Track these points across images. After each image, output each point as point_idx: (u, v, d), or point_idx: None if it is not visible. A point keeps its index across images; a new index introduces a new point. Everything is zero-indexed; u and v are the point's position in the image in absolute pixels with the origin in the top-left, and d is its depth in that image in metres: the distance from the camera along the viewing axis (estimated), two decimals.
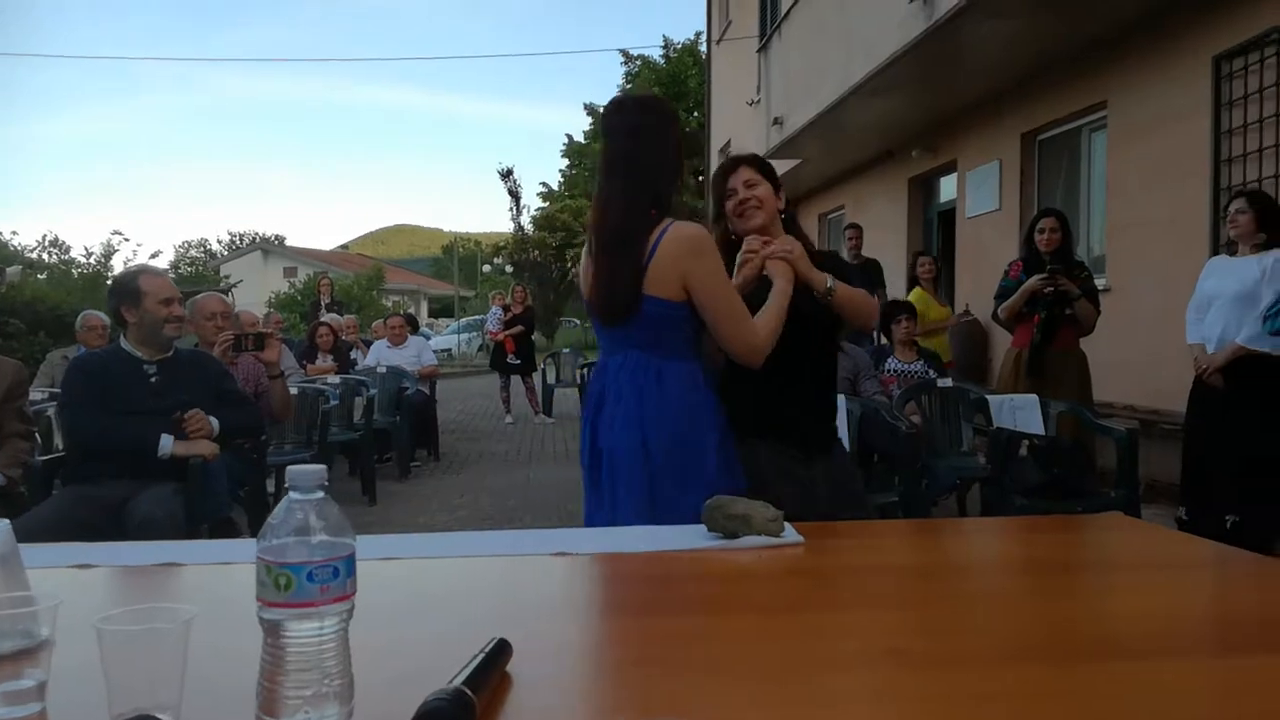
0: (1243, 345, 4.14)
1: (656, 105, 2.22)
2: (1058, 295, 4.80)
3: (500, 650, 0.99)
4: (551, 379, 11.88)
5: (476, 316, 31.44)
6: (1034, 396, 4.34)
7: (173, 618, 0.88)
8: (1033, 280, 4.82)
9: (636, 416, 2.08)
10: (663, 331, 2.10)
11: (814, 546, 1.59)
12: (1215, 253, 5.63)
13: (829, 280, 2.29)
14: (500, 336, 11.15)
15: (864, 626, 1.25)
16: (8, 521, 1.22)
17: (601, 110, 2.44)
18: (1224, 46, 5.65)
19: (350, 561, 0.84)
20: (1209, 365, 4.27)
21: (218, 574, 1.55)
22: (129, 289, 3.41)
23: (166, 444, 3.32)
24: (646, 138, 2.12)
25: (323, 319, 8.73)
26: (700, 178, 27.22)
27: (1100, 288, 5.54)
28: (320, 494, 0.85)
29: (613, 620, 1.32)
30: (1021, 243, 5.43)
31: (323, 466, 0.86)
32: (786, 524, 1.63)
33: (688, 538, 1.64)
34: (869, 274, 8.30)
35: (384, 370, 7.79)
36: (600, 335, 2.23)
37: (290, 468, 0.85)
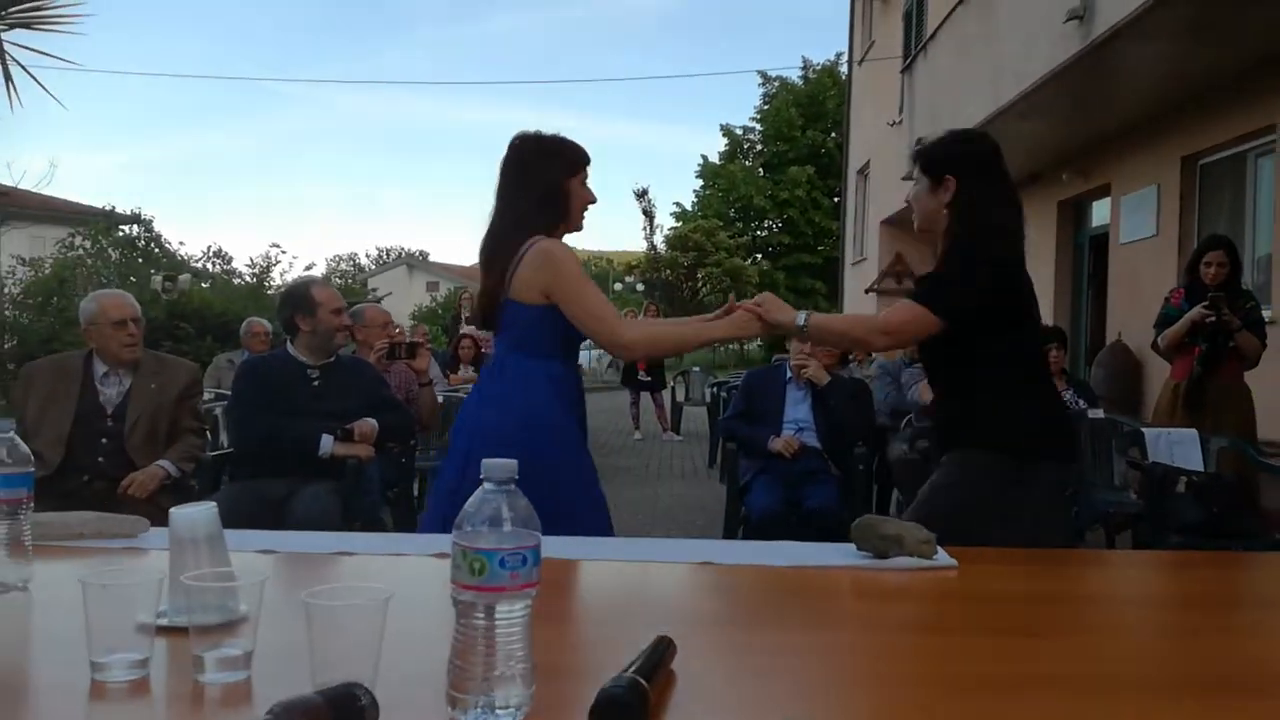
0: None
1: (520, 144, 2.42)
2: (1220, 326, 4.55)
3: (666, 647, 1.03)
4: (681, 396, 11.94)
5: None
6: (1193, 431, 4.12)
7: (374, 596, 0.95)
8: (1195, 310, 4.59)
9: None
10: (528, 333, 2.34)
11: (967, 571, 1.58)
12: None
13: (801, 318, 2.32)
14: None
15: (1018, 651, 1.24)
16: (214, 504, 1.34)
17: None
18: None
19: (537, 551, 0.90)
20: None
21: (387, 564, 1.65)
22: (304, 298, 3.64)
23: (327, 444, 3.51)
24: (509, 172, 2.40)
25: (464, 331, 9.04)
26: (836, 199, 26.93)
27: (1266, 319, 5.24)
28: (512, 486, 0.91)
29: (764, 628, 1.35)
30: (1184, 270, 5.17)
31: (514, 461, 0.92)
32: (939, 548, 1.62)
33: (837, 555, 1.65)
34: None
35: None
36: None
37: (485, 460, 0.92)
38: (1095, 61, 6.70)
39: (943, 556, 1.60)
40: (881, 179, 15.11)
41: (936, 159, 2.37)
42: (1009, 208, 2.36)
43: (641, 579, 1.54)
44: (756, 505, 4.19)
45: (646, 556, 1.69)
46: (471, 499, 0.91)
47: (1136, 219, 8.58)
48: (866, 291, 15.58)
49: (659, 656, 1.00)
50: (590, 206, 2.45)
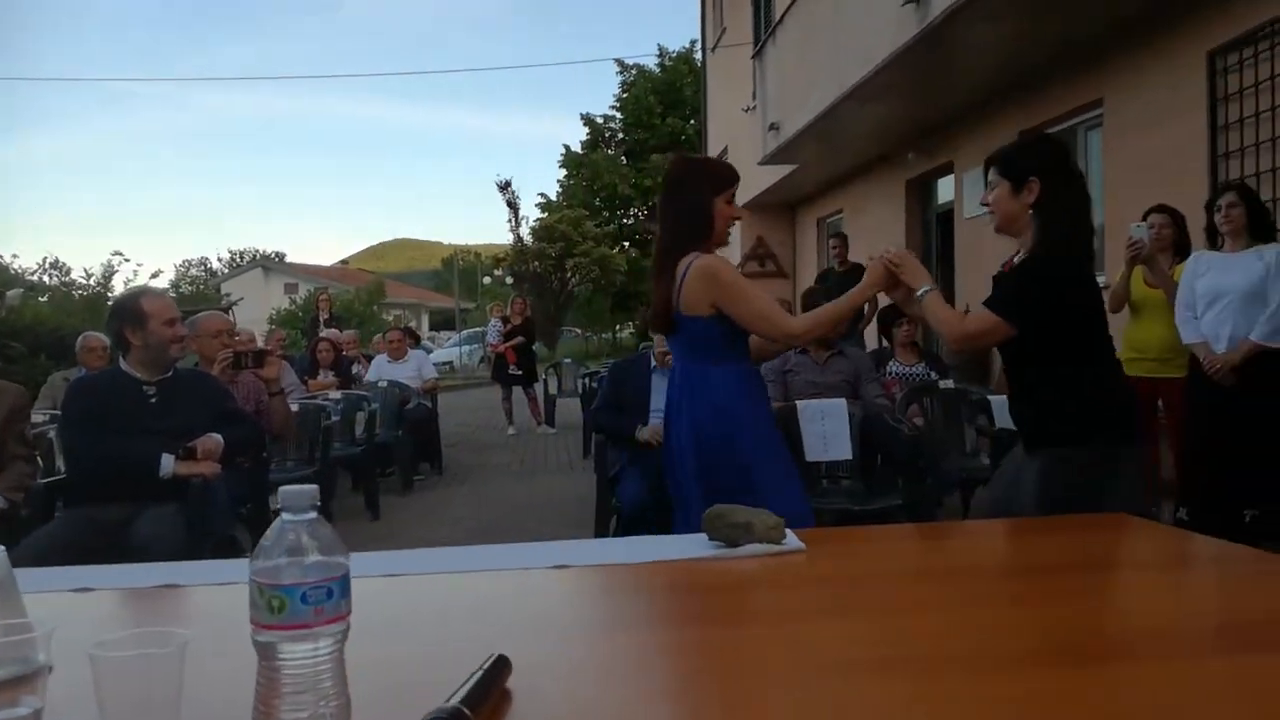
0: (1260, 342, 4.14)
1: (674, 166, 2.80)
2: None
3: (499, 666, 0.98)
4: (553, 389, 11.86)
5: (477, 329, 31.47)
6: None
7: (166, 642, 0.87)
8: None
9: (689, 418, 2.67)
10: (703, 341, 2.62)
11: (816, 553, 1.59)
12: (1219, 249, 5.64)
13: (923, 289, 2.52)
14: (500, 348, 11.14)
15: (869, 633, 1.24)
16: (2, 548, 1.21)
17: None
18: (1219, 41, 5.65)
19: (344, 582, 0.84)
20: (1224, 363, 4.25)
21: (218, 595, 1.54)
22: (132, 311, 3.40)
23: (167, 464, 3.30)
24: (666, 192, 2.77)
25: (323, 334, 8.73)
26: None
27: (1101, 284, 5.54)
28: (312, 514, 0.84)
29: (614, 633, 1.31)
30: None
31: (314, 487, 0.85)
32: (789, 531, 1.62)
33: (690, 546, 1.63)
34: (853, 282, 8.32)
35: (385, 385, 7.78)
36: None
37: (282, 489, 0.84)
38: (933, 43, 6.94)
39: (792, 540, 1.61)
40: (740, 163, 15.21)
41: (1018, 162, 2.49)
42: (1085, 203, 2.55)
43: (485, 590, 1.48)
44: (626, 496, 4.17)
45: (496, 564, 1.63)
46: (269, 531, 0.84)
47: (978, 194, 8.94)
48: None
49: (491, 678, 0.95)
50: (736, 221, 2.74)
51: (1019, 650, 1.15)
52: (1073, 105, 7.44)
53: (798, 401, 4.42)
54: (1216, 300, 4.31)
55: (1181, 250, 4.93)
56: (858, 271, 8.50)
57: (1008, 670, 1.07)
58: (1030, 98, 7.93)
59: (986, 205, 2.55)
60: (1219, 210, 4.42)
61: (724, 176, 2.70)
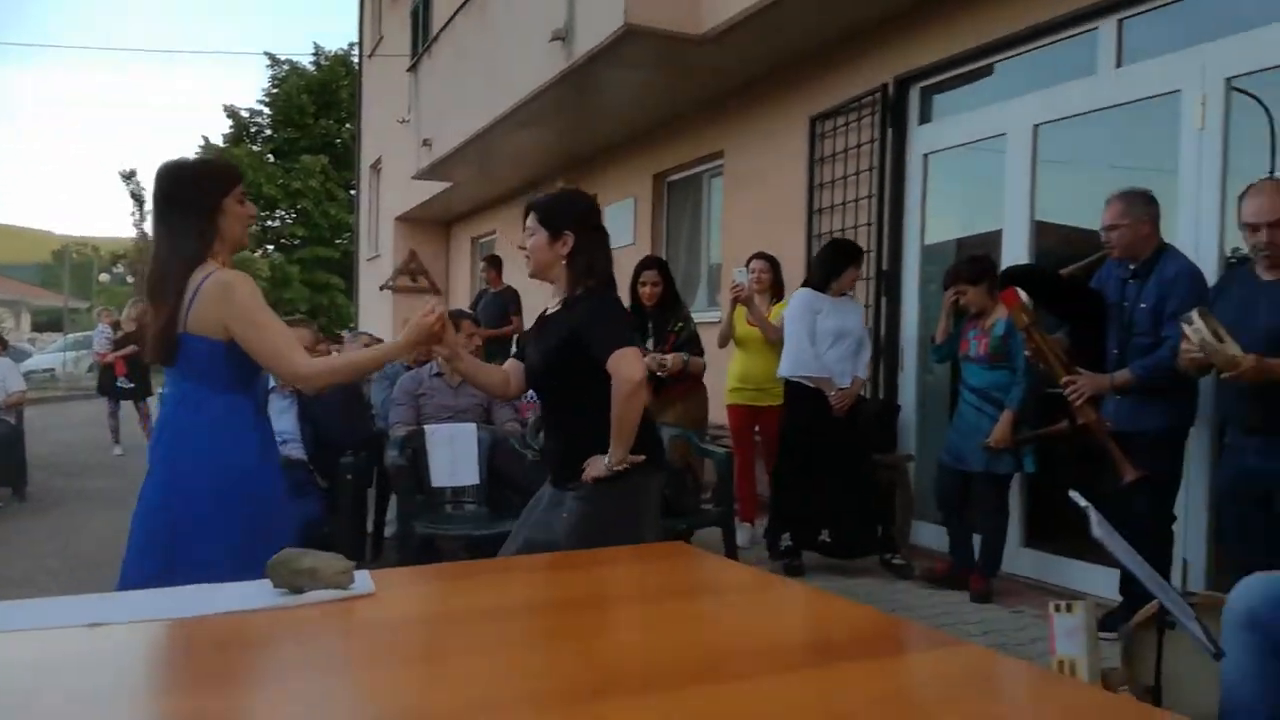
0: (863, 379, 4.89)
1: (166, 174, 2.46)
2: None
3: None
4: None
5: (87, 332, 28.06)
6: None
7: None
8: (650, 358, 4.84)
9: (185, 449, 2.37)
10: (210, 367, 2.37)
11: (385, 597, 1.56)
12: None
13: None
14: (109, 358, 10.01)
15: (438, 678, 1.24)
16: None
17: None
18: (819, 108, 6.40)
19: None
20: (847, 399, 4.80)
21: None
22: None
23: None
24: (162, 203, 2.47)
25: None
26: (353, 192, 26.27)
27: (715, 320, 6.05)
28: None
29: (162, 702, 1.20)
30: (629, 289, 5.17)
31: None
32: (359, 574, 1.58)
33: (253, 595, 1.54)
34: (505, 302, 8.48)
35: None
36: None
37: None
38: (578, 80, 7.24)
39: (362, 583, 1.57)
40: (394, 175, 15.03)
41: (556, 214, 2.69)
42: (609, 259, 2.80)
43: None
44: None
45: (8, 624, 1.43)
46: None
47: (618, 227, 9.45)
48: (381, 288, 15.42)
49: None
50: (252, 221, 2.54)
51: (592, 681, 1.20)
52: (699, 154, 8.09)
53: (425, 426, 4.39)
54: (840, 340, 4.87)
55: (778, 292, 5.53)
56: (510, 293, 8.65)
57: (579, 703, 1.11)
58: (664, 143, 8.52)
59: (524, 249, 2.71)
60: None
61: (229, 175, 2.50)
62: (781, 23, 5.91)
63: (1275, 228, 3.16)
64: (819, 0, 5.57)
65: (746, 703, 1.13)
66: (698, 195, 8.56)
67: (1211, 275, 3.85)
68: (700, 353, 5.10)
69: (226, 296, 2.32)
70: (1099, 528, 2.18)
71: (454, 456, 4.28)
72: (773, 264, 5.52)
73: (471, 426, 4.39)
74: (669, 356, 4.88)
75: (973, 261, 4.64)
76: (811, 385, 4.81)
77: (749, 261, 5.51)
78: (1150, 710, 1.26)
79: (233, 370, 2.38)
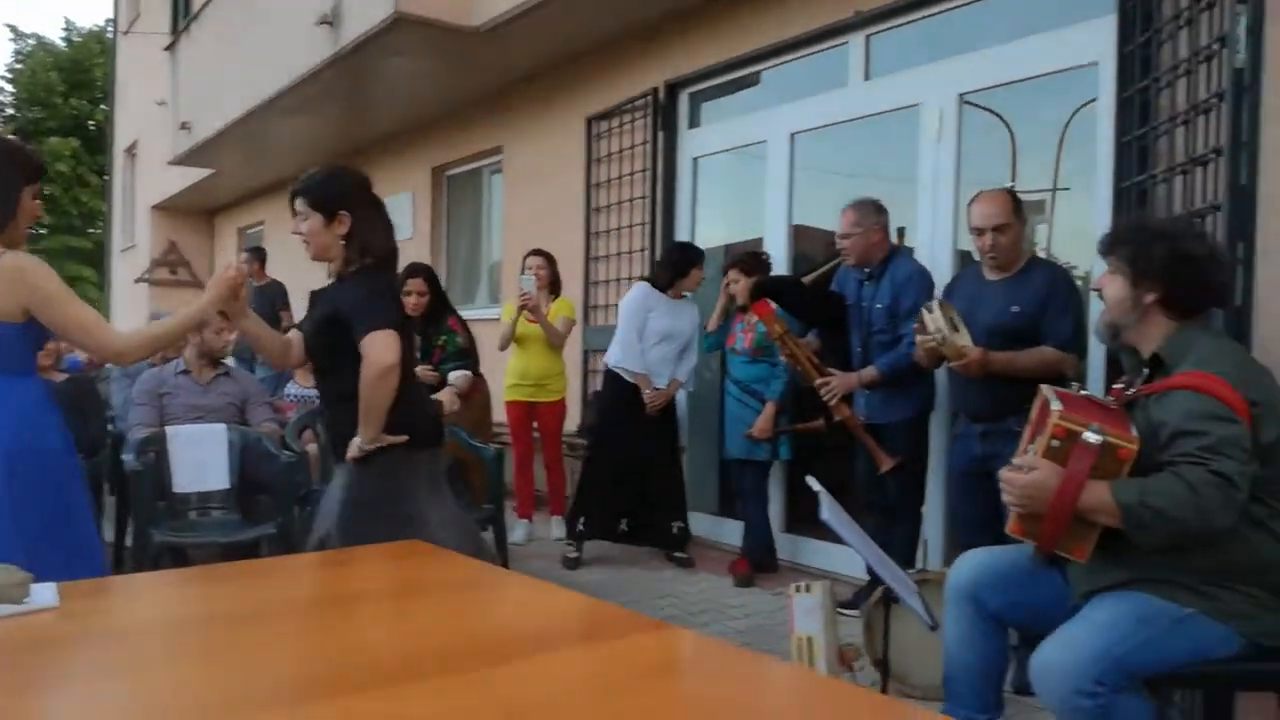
0: (682, 380, 4.99)
1: None
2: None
3: None
4: None
5: None
6: None
7: None
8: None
9: None
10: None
11: (70, 610, 1.42)
12: (588, 290, 6.42)
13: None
14: None
15: (135, 692, 1.14)
16: None
17: None
18: (596, 109, 6.45)
19: None
20: (663, 398, 4.88)
21: None
22: None
23: None
24: None
25: None
26: (106, 177, 24.19)
27: (496, 318, 5.98)
28: None
29: None
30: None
31: None
32: (42, 586, 1.43)
33: None
34: (271, 296, 8.06)
35: None
36: None
37: None
38: (348, 67, 6.97)
39: (41, 597, 1.42)
40: (151, 160, 13.94)
41: (328, 196, 2.70)
42: (390, 230, 2.87)
43: None
44: None
45: None
46: None
47: (395, 221, 9.08)
48: (137, 281, 14.28)
49: None
50: (36, 219, 2.48)
51: (290, 687, 1.14)
52: (478, 149, 7.98)
53: (167, 428, 4.08)
54: (666, 341, 4.91)
55: (555, 288, 5.52)
56: (276, 287, 8.20)
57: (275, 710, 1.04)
58: (443, 136, 8.36)
59: (300, 234, 2.65)
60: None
61: (35, 166, 2.46)
62: (553, 20, 5.92)
63: (999, 232, 3.43)
64: (589, 1, 5.62)
65: (445, 699, 1.11)
66: (478, 190, 8.45)
67: (949, 275, 4.18)
68: (471, 365, 4.92)
69: (21, 279, 2.28)
70: (828, 510, 2.30)
71: (200, 460, 4.00)
72: (550, 260, 5.52)
73: (221, 428, 4.12)
74: (453, 384, 4.67)
75: (753, 256, 4.82)
76: (630, 379, 4.86)
77: (526, 258, 5.47)
78: (802, 671, 1.34)
79: (25, 352, 2.38)
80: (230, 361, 7.22)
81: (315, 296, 2.77)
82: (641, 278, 5.30)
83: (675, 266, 4.93)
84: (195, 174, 11.88)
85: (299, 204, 2.66)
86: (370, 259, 2.66)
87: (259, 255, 8.44)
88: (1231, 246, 2.74)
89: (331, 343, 2.62)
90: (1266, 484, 2.04)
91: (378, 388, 2.48)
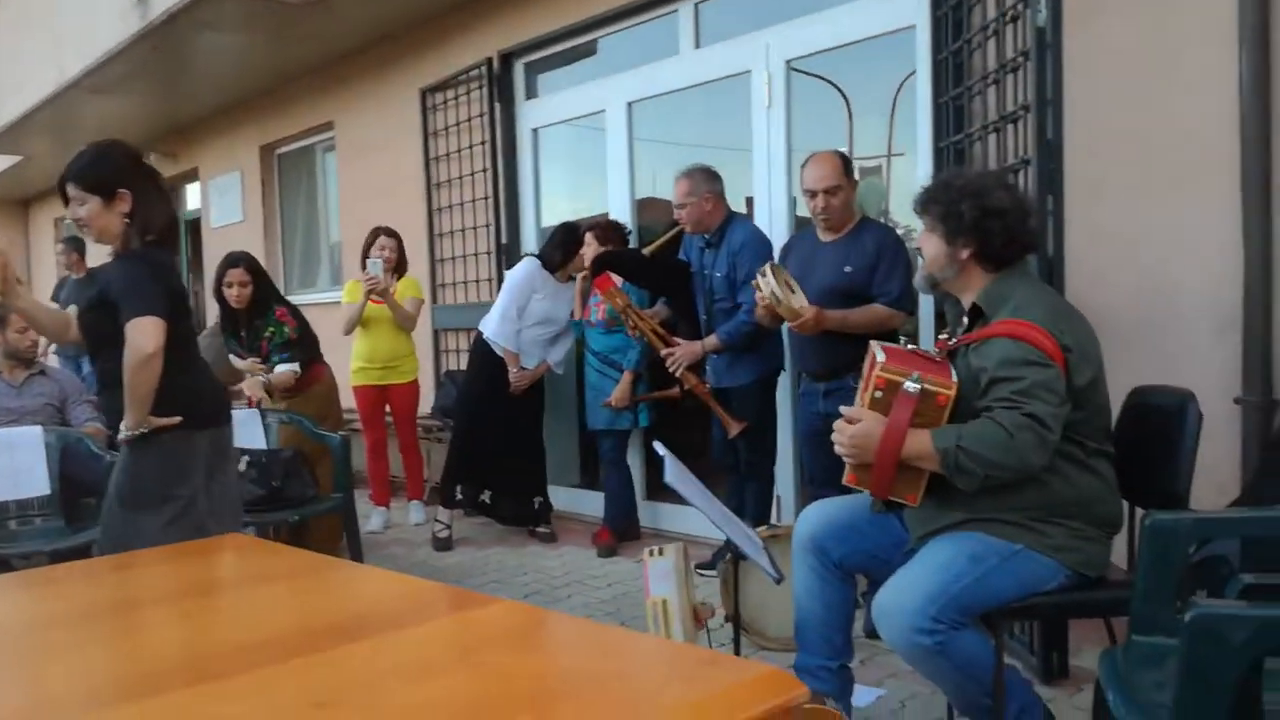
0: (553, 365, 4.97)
1: None
2: None
3: None
4: None
5: None
6: (253, 410, 4.31)
7: None
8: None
9: None
10: None
11: None
12: (434, 268, 6.28)
13: None
14: None
15: None
16: None
17: None
18: (429, 80, 6.28)
19: None
20: (528, 380, 4.83)
21: None
22: None
23: None
24: None
25: None
26: None
27: (337, 301, 5.77)
28: None
29: None
30: (212, 293, 4.68)
31: None
32: None
33: None
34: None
35: None
36: None
37: None
38: (161, 43, 6.55)
39: None
40: None
41: (102, 176, 2.57)
42: (168, 200, 2.76)
43: None
44: None
45: None
46: None
47: (225, 203, 8.77)
48: None
49: None
50: None
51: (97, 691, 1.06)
52: (309, 125, 7.67)
53: None
54: (542, 325, 4.84)
55: (401, 268, 5.34)
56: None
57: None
58: (271, 113, 8.00)
59: (79, 220, 2.56)
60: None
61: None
62: None
63: (830, 194, 3.53)
64: None
65: (269, 689, 1.07)
66: (311, 169, 8.13)
67: (786, 238, 4.27)
68: (305, 355, 4.64)
69: None
70: (671, 473, 2.33)
71: (14, 465, 3.72)
72: (398, 239, 5.32)
73: (37, 430, 3.84)
74: (268, 379, 4.44)
75: (611, 225, 4.79)
76: (499, 353, 4.80)
77: (375, 238, 5.25)
78: (602, 629, 1.42)
79: None
80: (54, 360, 6.79)
81: (91, 274, 2.71)
82: (530, 254, 5.17)
83: (564, 247, 4.84)
84: (2, 161, 11.01)
85: (72, 189, 2.55)
86: (152, 235, 2.58)
87: (77, 246, 7.87)
88: (1041, 198, 2.90)
89: (100, 323, 2.57)
90: (1082, 425, 2.17)
91: (139, 375, 2.44)
